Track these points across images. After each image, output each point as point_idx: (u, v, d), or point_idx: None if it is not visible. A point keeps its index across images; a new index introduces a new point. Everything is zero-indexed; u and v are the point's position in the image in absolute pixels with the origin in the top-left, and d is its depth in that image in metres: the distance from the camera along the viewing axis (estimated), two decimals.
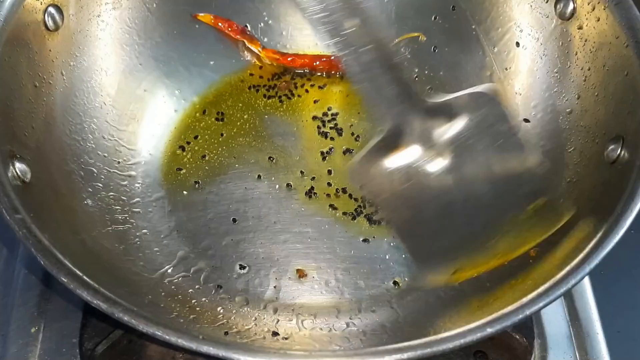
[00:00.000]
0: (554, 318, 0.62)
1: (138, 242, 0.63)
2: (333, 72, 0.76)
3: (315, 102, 0.75)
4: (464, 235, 0.57)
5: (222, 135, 0.72)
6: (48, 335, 0.60)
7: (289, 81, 0.76)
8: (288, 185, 0.68)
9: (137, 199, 0.66)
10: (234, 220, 0.66)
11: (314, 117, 0.74)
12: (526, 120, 0.68)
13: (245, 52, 0.76)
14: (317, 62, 0.76)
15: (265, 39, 0.77)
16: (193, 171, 0.69)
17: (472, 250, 0.57)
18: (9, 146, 0.55)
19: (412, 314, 0.59)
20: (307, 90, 0.76)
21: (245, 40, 0.76)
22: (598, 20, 0.61)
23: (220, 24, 0.75)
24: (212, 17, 0.75)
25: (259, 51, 0.76)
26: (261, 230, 0.65)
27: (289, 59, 0.76)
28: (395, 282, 0.62)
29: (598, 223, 0.51)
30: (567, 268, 0.49)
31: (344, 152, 0.71)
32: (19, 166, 0.54)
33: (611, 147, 0.57)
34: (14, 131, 0.57)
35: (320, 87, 0.76)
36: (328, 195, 0.68)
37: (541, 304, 0.47)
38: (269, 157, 0.71)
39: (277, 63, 0.77)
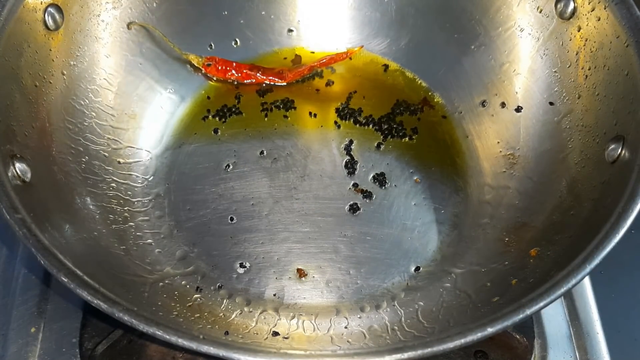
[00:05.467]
0: (554, 318, 0.62)
1: (138, 241, 0.63)
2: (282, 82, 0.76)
3: (316, 102, 0.75)
4: None
5: (222, 134, 0.72)
6: (48, 335, 0.60)
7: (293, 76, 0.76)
8: (288, 184, 0.68)
9: (138, 199, 0.66)
10: (234, 219, 0.66)
11: (312, 114, 0.74)
12: (518, 110, 0.68)
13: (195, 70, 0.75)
14: (264, 76, 0.75)
15: (265, 36, 0.78)
16: (193, 170, 0.69)
17: None
18: (9, 146, 0.55)
19: (412, 314, 0.59)
20: (317, 90, 0.76)
21: (190, 60, 0.74)
22: (598, 19, 0.61)
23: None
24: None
25: (203, 69, 0.75)
26: (261, 229, 0.65)
27: (232, 76, 0.75)
28: (395, 283, 0.62)
29: (598, 223, 0.51)
30: (567, 268, 0.49)
31: (345, 150, 0.71)
32: (19, 166, 0.54)
33: (612, 146, 0.57)
34: (14, 131, 0.57)
35: (326, 85, 0.76)
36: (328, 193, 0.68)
37: (541, 304, 0.47)
38: (270, 157, 0.71)
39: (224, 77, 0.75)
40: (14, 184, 0.52)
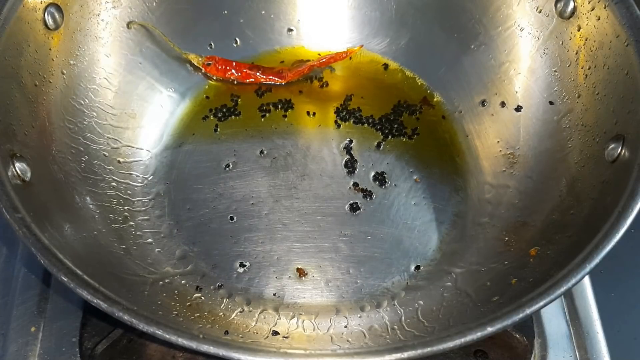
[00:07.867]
0: (554, 317, 0.62)
1: (138, 241, 0.63)
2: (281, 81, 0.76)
3: (316, 101, 0.75)
4: None
5: (221, 133, 0.72)
6: (48, 334, 0.60)
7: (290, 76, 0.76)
8: (288, 184, 0.68)
9: (137, 198, 0.66)
10: (234, 219, 0.66)
11: (312, 114, 0.74)
12: (518, 109, 0.68)
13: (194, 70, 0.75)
14: (264, 76, 0.75)
15: (265, 36, 0.78)
16: (193, 170, 0.69)
17: None
18: (9, 145, 0.55)
19: (412, 314, 0.59)
20: (300, 91, 0.76)
21: (190, 59, 0.74)
22: (598, 19, 0.61)
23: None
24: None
25: (203, 68, 0.75)
26: (261, 229, 0.65)
27: (232, 75, 0.75)
28: (395, 282, 0.62)
29: (598, 222, 0.51)
30: (567, 267, 0.49)
31: (345, 149, 0.71)
32: (19, 165, 0.54)
33: (612, 146, 0.57)
34: (14, 130, 0.57)
35: (321, 86, 0.76)
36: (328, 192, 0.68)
37: (541, 304, 0.47)
38: (269, 156, 0.71)
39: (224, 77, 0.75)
40: (14, 183, 0.52)
